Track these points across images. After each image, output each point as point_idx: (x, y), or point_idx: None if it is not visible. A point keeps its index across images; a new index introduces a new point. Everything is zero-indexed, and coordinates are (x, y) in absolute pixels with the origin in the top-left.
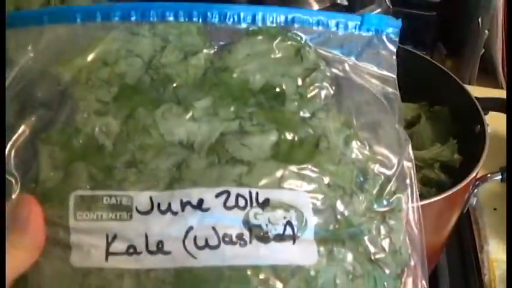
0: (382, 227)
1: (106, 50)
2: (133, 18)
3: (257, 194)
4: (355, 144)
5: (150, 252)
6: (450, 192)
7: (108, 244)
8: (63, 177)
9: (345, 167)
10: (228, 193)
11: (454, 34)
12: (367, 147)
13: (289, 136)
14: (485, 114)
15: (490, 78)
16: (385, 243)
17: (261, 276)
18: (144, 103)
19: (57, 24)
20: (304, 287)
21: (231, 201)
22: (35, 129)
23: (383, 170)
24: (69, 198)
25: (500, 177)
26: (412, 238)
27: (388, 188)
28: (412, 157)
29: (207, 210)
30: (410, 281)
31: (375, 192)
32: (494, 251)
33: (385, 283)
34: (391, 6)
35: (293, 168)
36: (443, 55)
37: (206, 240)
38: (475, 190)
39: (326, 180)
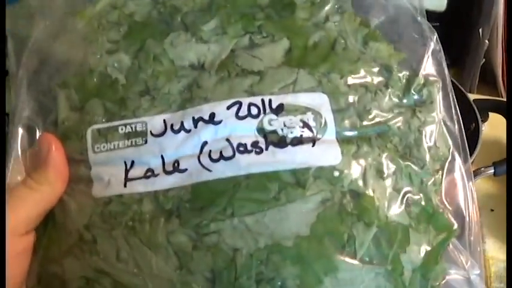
0: (413, 122)
1: None
2: None
3: (270, 100)
4: (374, 42)
5: (167, 173)
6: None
7: (127, 171)
8: (80, 115)
9: (364, 65)
10: (240, 103)
11: (456, 44)
12: (388, 44)
13: (301, 42)
14: (483, 116)
15: (490, 87)
16: (418, 137)
17: (280, 182)
18: (153, 35)
19: None
20: (328, 189)
21: (243, 111)
22: (52, 76)
23: (408, 63)
24: (87, 133)
25: (493, 171)
26: (450, 131)
27: (416, 81)
28: (440, 47)
29: (219, 122)
30: (451, 176)
31: (401, 87)
32: (490, 249)
33: (423, 179)
34: None
35: (307, 71)
36: (446, 64)
37: (221, 153)
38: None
39: (344, 79)
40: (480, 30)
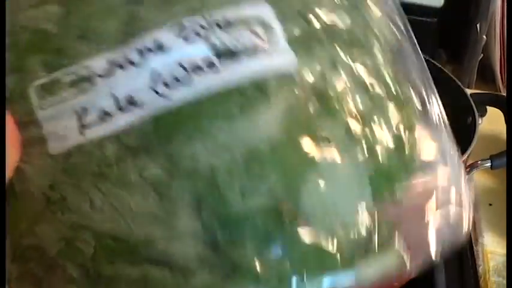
0: (357, 13)
1: None
2: None
3: (212, 16)
4: None
5: (123, 110)
6: None
7: (80, 119)
8: (20, 75)
9: None
10: (182, 25)
11: (454, 40)
12: None
13: None
14: (481, 110)
15: (488, 82)
16: (366, 26)
17: (242, 95)
18: None
19: None
20: (291, 94)
21: (189, 33)
22: None
23: None
24: (29, 91)
25: (489, 164)
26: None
27: None
28: None
29: (167, 50)
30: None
31: None
32: (489, 243)
33: (378, 66)
34: None
35: None
36: (443, 61)
37: (176, 79)
38: (466, 176)
39: None
40: (478, 25)
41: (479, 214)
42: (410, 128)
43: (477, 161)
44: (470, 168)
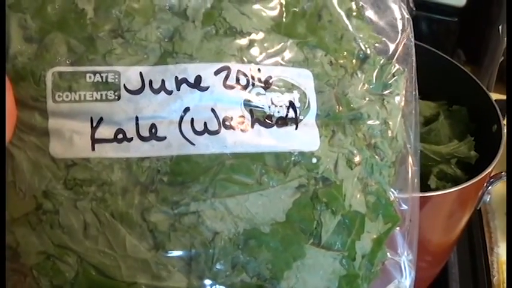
0: (380, 112)
1: None
2: None
3: (259, 70)
4: (357, 19)
5: (142, 138)
6: (465, 185)
7: (94, 129)
8: (38, 51)
9: (347, 44)
10: (229, 70)
11: (474, 41)
12: (369, 23)
13: (291, 5)
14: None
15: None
16: (384, 129)
17: (264, 165)
18: None
19: None
20: (305, 175)
21: (232, 79)
22: None
23: (384, 48)
24: (46, 76)
25: None
26: (408, 123)
27: (388, 69)
28: (413, 38)
29: (205, 89)
30: (403, 168)
31: (375, 73)
32: (504, 253)
33: (381, 170)
34: (414, 9)
35: (296, 42)
36: (462, 61)
37: (205, 124)
38: (489, 187)
39: (328, 57)
40: (500, 27)
41: (495, 223)
42: (385, 238)
43: (501, 172)
44: (494, 179)
